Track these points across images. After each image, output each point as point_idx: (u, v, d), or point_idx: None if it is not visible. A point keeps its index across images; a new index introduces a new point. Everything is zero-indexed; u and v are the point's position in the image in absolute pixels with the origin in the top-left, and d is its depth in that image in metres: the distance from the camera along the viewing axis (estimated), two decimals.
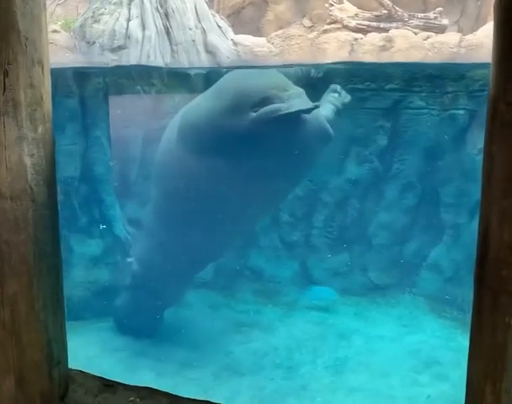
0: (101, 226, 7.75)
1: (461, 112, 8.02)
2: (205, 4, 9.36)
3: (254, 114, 5.97)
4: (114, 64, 8.42)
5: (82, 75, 7.71)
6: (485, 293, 1.85)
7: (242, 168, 6.25)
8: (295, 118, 6.04)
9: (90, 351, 6.61)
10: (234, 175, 6.26)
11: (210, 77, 7.56)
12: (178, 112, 6.90)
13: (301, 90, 6.31)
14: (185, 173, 6.43)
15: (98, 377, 2.62)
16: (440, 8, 11.13)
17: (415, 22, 11.02)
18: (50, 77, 2.64)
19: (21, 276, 2.23)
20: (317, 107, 6.16)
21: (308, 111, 6.11)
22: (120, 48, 8.62)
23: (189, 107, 6.69)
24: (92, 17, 8.99)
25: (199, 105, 6.50)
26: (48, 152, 2.66)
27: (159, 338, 7.17)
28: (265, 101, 6.03)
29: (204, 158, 6.24)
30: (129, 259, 7.19)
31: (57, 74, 7.54)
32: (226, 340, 7.16)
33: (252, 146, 6.07)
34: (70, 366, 2.56)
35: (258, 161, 6.22)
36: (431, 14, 11.23)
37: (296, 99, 6.12)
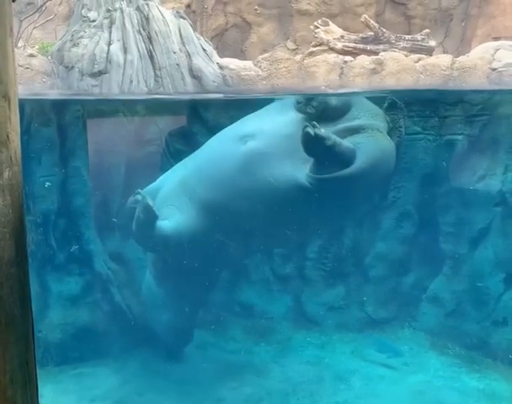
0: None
1: (459, 137, 7.73)
2: (190, 27, 9.00)
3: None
4: (94, 90, 8.01)
5: (60, 103, 7.31)
6: None
7: None
8: None
9: (67, 401, 6.19)
10: None
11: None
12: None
13: None
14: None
15: None
16: (427, 30, 11.07)
17: (402, 44, 10.93)
18: (18, 113, 2.30)
19: None
20: None
21: None
22: (100, 73, 8.20)
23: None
24: (71, 40, 8.58)
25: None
26: (15, 199, 2.30)
27: (143, 384, 6.68)
28: None
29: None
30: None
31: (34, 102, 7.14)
32: (216, 385, 6.69)
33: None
34: None
35: None
36: (418, 36, 11.15)
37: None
